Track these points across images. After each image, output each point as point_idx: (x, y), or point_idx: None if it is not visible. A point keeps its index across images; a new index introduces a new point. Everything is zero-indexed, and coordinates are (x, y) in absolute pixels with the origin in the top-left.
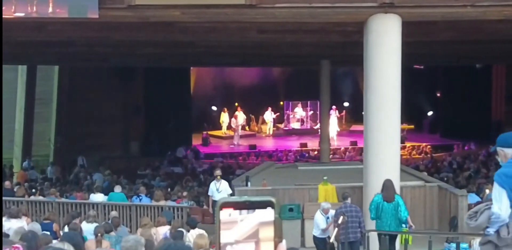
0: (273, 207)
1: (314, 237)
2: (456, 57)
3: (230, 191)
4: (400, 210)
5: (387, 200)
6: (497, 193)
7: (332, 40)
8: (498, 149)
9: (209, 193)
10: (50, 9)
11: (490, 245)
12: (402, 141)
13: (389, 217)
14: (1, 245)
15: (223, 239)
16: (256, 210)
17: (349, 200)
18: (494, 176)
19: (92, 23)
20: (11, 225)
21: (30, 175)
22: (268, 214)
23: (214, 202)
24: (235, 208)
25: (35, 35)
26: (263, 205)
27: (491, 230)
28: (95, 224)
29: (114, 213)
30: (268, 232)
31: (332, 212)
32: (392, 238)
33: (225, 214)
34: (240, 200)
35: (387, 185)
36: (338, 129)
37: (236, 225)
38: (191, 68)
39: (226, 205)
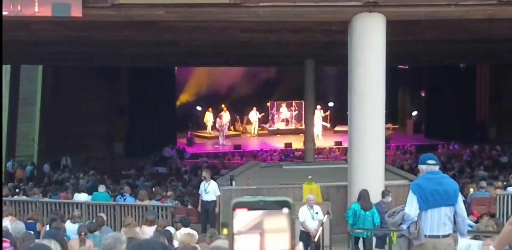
0: (289, 208)
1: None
2: (440, 57)
3: (218, 193)
4: (376, 218)
5: (364, 208)
6: (410, 198)
7: (316, 40)
8: (419, 166)
9: (200, 192)
10: (34, 8)
11: (404, 237)
12: (387, 141)
13: (365, 224)
14: (1, 244)
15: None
16: (271, 211)
17: (387, 199)
18: (411, 185)
19: (76, 22)
20: None
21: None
22: (284, 216)
23: (203, 202)
24: (249, 209)
25: (18, 35)
26: (278, 205)
27: (404, 226)
28: (79, 224)
29: (101, 213)
30: (283, 236)
31: (317, 207)
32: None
33: (240, 215)
34: (254, 200)
35: (364, 195)
36: (320, 132)
37: (250, 227)
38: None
39: (239, 205)
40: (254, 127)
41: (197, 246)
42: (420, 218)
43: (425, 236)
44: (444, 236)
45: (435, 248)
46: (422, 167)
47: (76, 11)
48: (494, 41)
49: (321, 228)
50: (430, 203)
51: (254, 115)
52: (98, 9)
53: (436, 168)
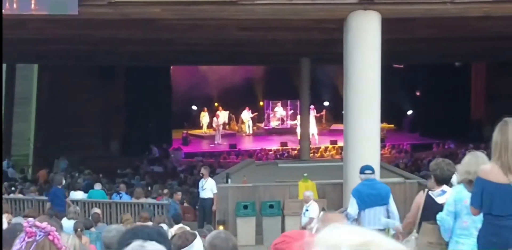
0: None
1: None
2: (436, 55)
3: (215, 191)
4: None
5: None
6: (351, 201)
7: (312, 38)
8: (359, 175)
9: (198, 189)
10: (30, 6)
11: None
12: (382, 141)
13: None
14: (1, 243)
15: None
16: None
17: None
18: (352, 190)
19: (72, 21)
20: None
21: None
22: None
23: (200, 199)
24: None
25: (14, 33)
26: None
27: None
28: (74, 221)
29: (96, 209)
30: None
31: (314, 205)
32: None
33: None
34: None
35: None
36: (316, 132)
37: None
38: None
39: None
40: (248, 126)
41: (196, 232)
42: (360, 216)
43: None
44: (379, 230)
45: None
46: (361, 176)
47: (73, 9)
48: (491, 39)
49: (316, 225)
50: (367, 203)
51: (246, 115)
52: (95, 7)
53: (372, 176)
